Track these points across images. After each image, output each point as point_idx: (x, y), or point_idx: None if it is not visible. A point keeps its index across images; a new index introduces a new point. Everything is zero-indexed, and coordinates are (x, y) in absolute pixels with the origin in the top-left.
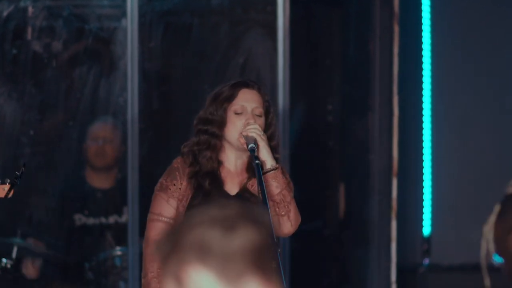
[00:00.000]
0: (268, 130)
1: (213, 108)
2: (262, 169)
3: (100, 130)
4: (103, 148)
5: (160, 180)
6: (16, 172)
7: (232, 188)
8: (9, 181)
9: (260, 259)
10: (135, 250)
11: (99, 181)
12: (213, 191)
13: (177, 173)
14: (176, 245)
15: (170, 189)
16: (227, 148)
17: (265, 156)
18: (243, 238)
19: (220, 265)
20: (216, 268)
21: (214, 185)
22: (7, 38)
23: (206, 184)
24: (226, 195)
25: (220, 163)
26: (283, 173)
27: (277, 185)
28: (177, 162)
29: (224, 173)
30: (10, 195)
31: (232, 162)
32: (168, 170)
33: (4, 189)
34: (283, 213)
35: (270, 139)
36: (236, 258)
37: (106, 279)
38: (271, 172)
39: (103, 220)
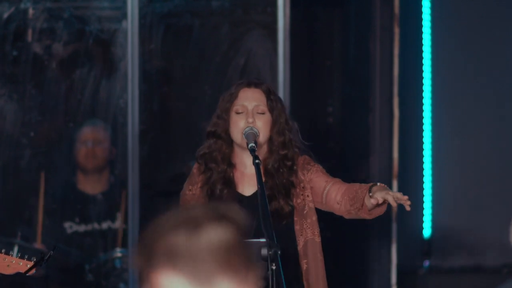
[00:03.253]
0: (274, 127)
1: (219, 110)
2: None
3: (89, 132)
4: (93, 150)
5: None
6: (43, 254)
7: (247, 189)
8: (35, 259)
9: (231, 258)
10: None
11: (91, 186)
12: (225, 195)
13: (193, 178)
14: (147, 253)
15: (186, 193)
16: (236, 149)
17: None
18: (208, 237)
19: (189, 267)
20: (185, 270)
21: (226, 188)
22: (8, 39)
23: (217, 189)
24: (240, 196)
25: (232, 165)
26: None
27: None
28: (195, 167)
29: (237, 175)
30: (30, 273)
31: (244, 163)
32: (189, 175)
33: (27, 266)
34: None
35: (278, 135)
36: (204, 258)
37: (106, 281)
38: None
39: (101, 223)
